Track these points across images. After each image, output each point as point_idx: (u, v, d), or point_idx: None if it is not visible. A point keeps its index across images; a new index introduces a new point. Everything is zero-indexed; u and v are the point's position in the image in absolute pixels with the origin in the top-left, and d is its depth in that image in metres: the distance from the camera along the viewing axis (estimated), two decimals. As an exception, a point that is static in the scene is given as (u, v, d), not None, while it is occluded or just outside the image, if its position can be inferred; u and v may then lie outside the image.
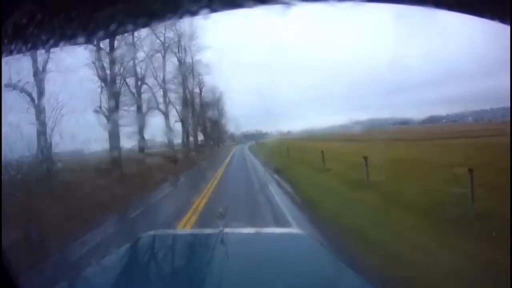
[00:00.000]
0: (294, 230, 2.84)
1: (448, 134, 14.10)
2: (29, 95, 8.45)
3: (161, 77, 15.54)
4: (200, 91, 20.54)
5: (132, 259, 1.44)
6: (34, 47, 1.19)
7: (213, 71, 18.92)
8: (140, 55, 13.97)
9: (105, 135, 10.73)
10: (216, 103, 22.47)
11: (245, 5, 1.06)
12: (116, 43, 11.41)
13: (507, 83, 0.98)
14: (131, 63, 13.10)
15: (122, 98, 12.44)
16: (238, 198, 6.75)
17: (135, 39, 13.13)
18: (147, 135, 13.77)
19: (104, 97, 11.42)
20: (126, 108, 12.64)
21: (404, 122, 20.99)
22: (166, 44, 16.02)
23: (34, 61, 8.35)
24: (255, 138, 36.38)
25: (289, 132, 33.32)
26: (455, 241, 3.38)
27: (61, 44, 1.23)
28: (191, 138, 19.84)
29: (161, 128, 16.47)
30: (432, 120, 21.45)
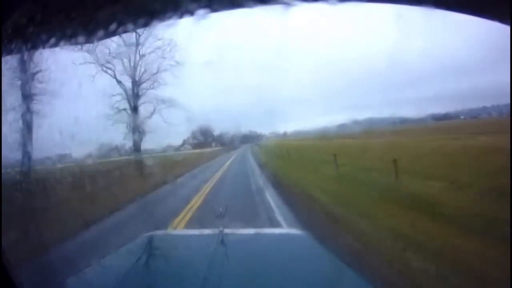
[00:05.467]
0: (294, 230, 2.83)
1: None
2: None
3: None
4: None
5: (132, 260, 1.44)
6: (34, 47, 1.19)
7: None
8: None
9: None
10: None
11: (245, 5, 1.06)
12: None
13: (505, 80, 0.99)
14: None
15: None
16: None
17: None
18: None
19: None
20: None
21: (406, 121, 20.51)
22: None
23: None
24: (249, 141, 29.36)
25: (285, 134, 30.98)
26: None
27: (61, 44, 1.23)
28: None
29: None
30: (447, 117, 20.85)
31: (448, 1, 1.02)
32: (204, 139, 21.48)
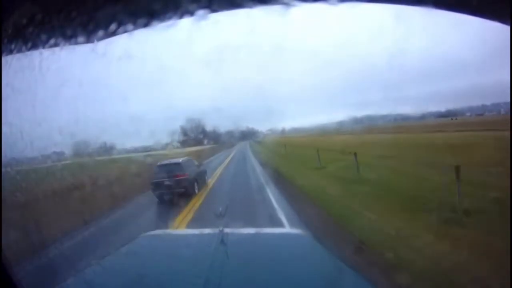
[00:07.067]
0: (294, 230, 2.84)
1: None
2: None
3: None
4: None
5: (132, 259, 1.44)
6: (34, 47, 1.19)
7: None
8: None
9: None
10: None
11: (245, 5, 1.07)
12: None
13: (505, 79, 0.99)
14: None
15: None
16: None
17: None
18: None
19: None
20: None
21: (405, 118, 20.42)
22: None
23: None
24: (247, 138, 27.69)
25: (283, 131, 30.41)
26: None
27: (61, 44, 1.23)
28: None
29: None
30: (449, 114, 20.78)
31: (448, 1, 1.02)
32: (195, 135, 16.97)
